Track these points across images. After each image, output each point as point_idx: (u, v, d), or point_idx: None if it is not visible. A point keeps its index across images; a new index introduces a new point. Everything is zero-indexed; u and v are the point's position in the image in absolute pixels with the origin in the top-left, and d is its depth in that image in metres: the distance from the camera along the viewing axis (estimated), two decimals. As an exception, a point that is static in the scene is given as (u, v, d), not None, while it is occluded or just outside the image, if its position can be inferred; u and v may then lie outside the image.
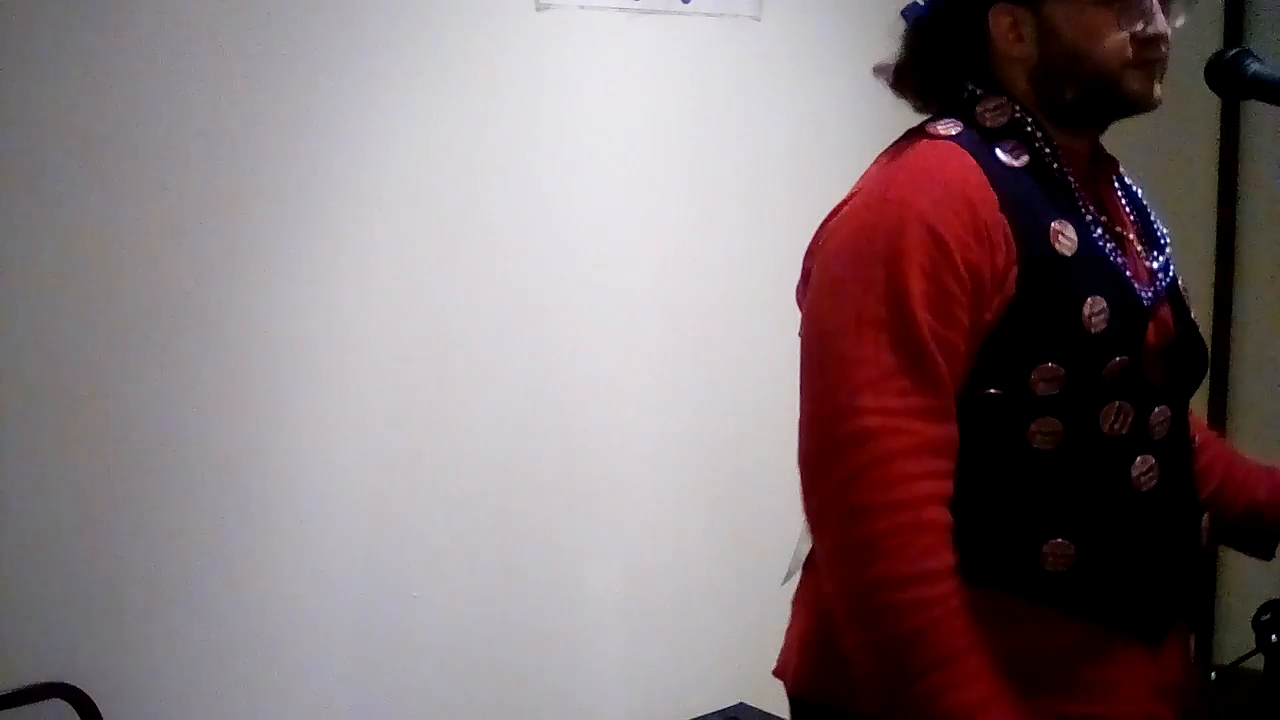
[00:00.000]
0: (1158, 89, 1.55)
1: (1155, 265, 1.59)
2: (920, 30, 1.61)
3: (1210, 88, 1.64)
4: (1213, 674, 1.59)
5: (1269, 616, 1.63)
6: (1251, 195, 3.23)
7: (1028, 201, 1.49)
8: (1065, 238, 1.48)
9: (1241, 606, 3.01)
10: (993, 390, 1.47)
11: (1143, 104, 1.55)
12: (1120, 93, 1.53)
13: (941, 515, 1.42)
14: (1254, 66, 1.59)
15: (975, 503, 1.47)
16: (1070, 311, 1.45)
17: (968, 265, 1.43)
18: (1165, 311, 1.57)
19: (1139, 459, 1.50)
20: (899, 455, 1.39)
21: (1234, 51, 1.62)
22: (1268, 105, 1.62)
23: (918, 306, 1.41)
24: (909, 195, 1.46)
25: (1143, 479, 1.50)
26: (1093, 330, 1.46)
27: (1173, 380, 1.57)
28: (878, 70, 1.65)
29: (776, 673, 1.64)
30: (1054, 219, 1.49)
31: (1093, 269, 1.49)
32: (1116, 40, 1.51)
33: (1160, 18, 1.52)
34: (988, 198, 1.46)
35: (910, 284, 1.41)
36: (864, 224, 1.48)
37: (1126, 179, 1.67)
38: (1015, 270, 1.45)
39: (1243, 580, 3.09)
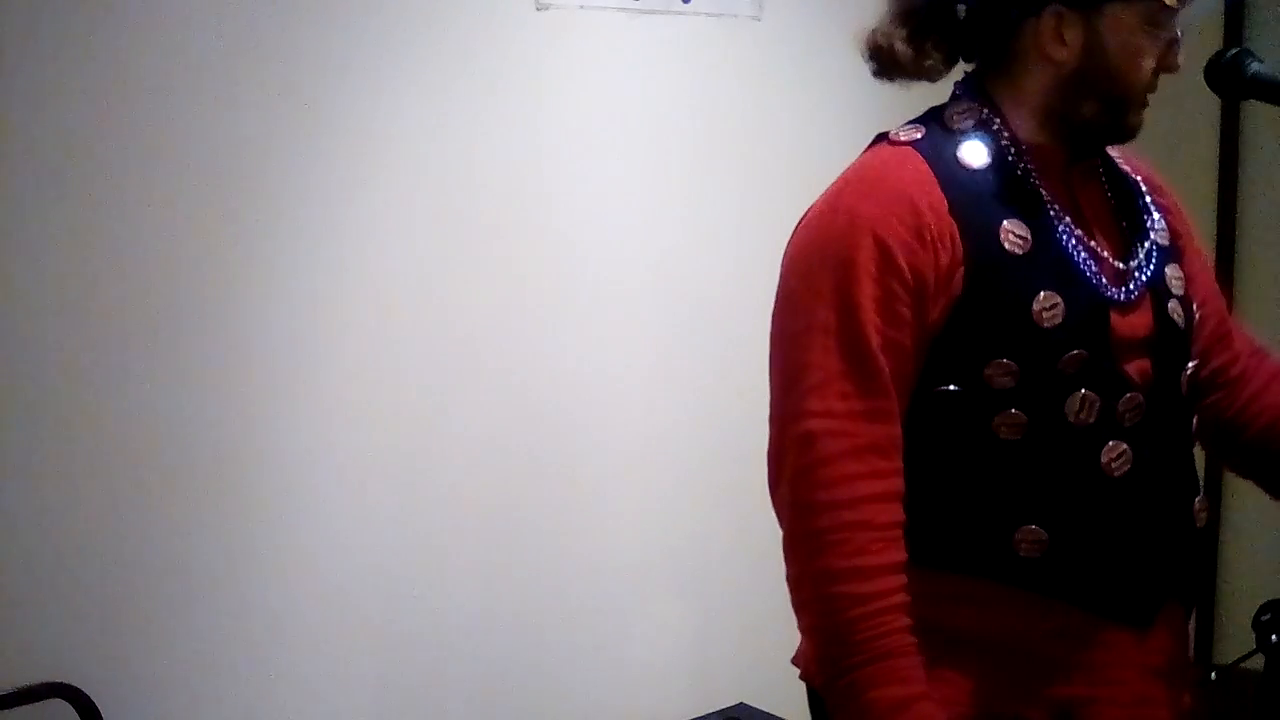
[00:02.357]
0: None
1: (1131, 265, 1.60)
2: (935, 20, 1.61)
3: (1210, 88, 1.64)
4: (1213, 674, 1.59)
5: (1269, 616, 1.63)
6: (1251, 195, 3.23)
7: (980, 202, 1.53)
8: (1016, 236, 1.52)
9: (1241, 606, 3.01)
10: (951, 386, 1.52)
11: (1132, 135, 1.61)
12: (1125, 120, 1.58)
13: (883, 513, 1.48)
14: (1254, 66, 1.60)
15: (947, 492, 1.54)
16: (1019, 307, 1.50)
17: (911, 268, 1.49)
18: (1141, 305, 1.59)
19: (1109, 445, 1.53)
20: (840, 456, 1.47)
21: (1234, 51, 1.62)
22: (1268, 105, 1.63)
23: (864, 312, 1.48)
24: (856, 204, 1.52)
25: (1114, 465, 1.53)
26: (1045, 325, 1.50)
27: (1159, 371, 1.59)
28: (868, 48, 1.64)
29: (794, 660, 1.66)
30: (1006, 218, 1.52)
31: (1048, 266, 1.52)
32: (1149, 68, 1.56)
33: (1177, 54, 1.57)
34: (936, 201, 1.51)
35: (857, 290, 1.48)
36: (816, 233, 1.56)
37: (1124, 167, 1.68)
38: (962, 270, 1.50)
39: (1243, 580, 3.09)
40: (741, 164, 2.96)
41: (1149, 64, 1.55)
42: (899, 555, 1.48)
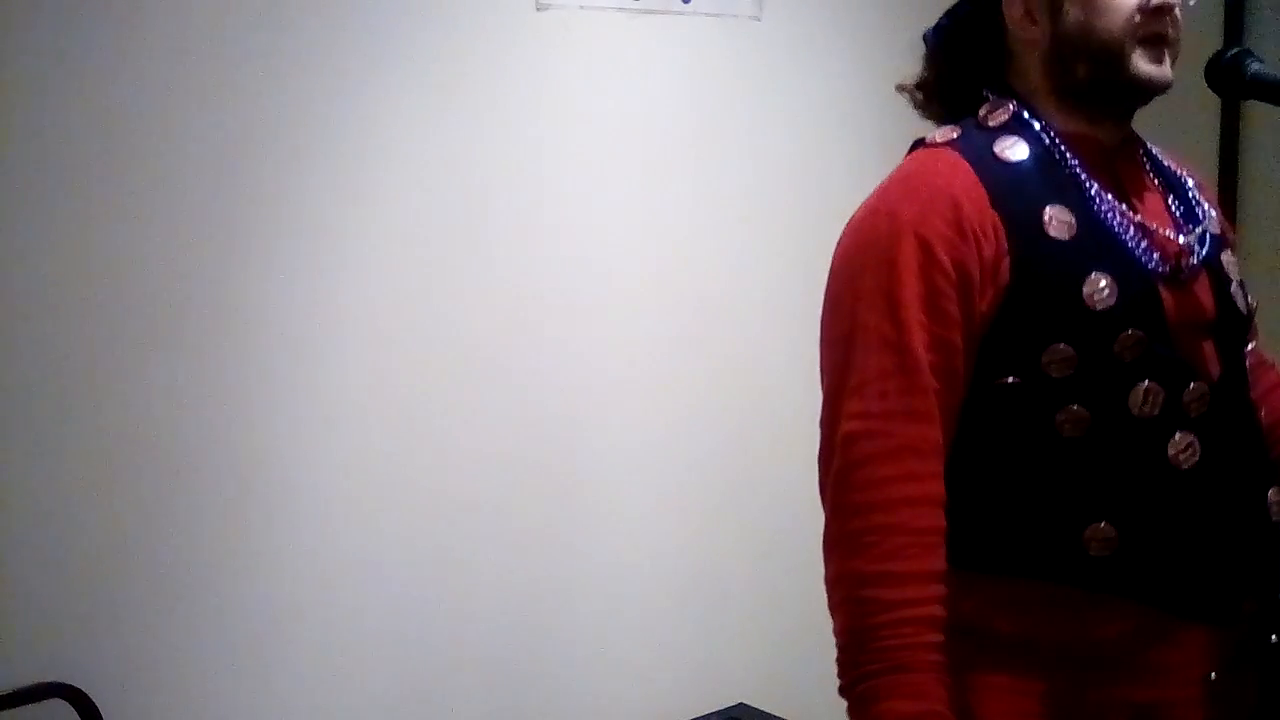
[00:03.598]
0: (1168, 68, 1.57)
1: (1187, 240, 1.59)
2: (943, 42, 1.67)
3: (1210, 88, 1.64)
4: (1213, 674, 1.58)
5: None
6: (1251, 195, 3.23)
7: (1022, 192, 1.53)
8: (1060, 221, 1.52)
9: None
10: (1010, 379, 1.50)
11: (1151, 84, 1.57)
12: (1128, 71, 1.55)
13: (919, 518, 1.45)
14: (1254, 66, 1.60)
15: (1009, 493, 1.51)
16: (1070, 291, 1.49)
17: (954, 262, 1.48)
18: (1200, 287, 1.58)
19: (1176, 436, 1.50)
20: (876, 457, 1.46)
21: (1234, 51, 1.62)
22: (1268, 105, 1.63)
23: (907, 310, 1.47)
24: (896, 206, 1.53)
25: (1181, 457, 1.50)
26: (1097, 307, 1.49)
27: (1224, 357, 1.57)
28: (900, 89, 1.70)
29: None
30: (1049, 205, 1.52)
31: (1096, 249, 1.51)
32: (1124, 10, 1.54)
33: None
34: (976, 195, 1.51)
35: (900, 290, 1.48)
36: (858, 237, 1.56)
37: (1165, 161, 1.69)
38: (1008, 260, 1.49)
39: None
40: (741, 164, 2.96)
41: (1125, 10, 1.54)
42: (934, 563, 1.45)
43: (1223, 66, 1.61)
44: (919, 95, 1.69)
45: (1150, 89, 1.57)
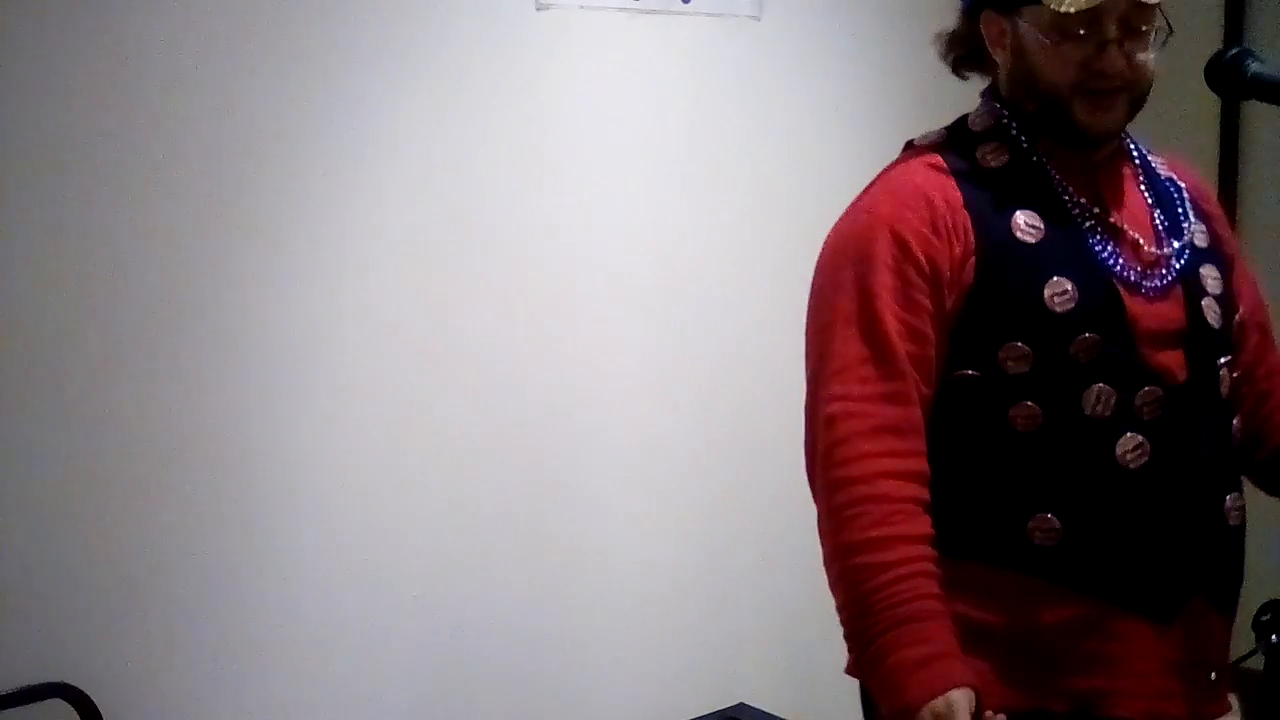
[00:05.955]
0: (1111, 116, 1.60)
1: (1165, 252, 1.62)
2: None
3: (1210, 88, 1.65)
4: (1213, 674, 1.59)
5: (1269, 616, 1.64)
6: (1251, 195, 3.23)
7: (995, 196, 1.59)
8: (1028, 225, 1.58)
9: (1242, 606, 3.01)
10: (970, 372, 1.57)
11: (1089, 133, 1.61)
12: (1071, 117, 1.60)
13: (901, 488, 1.51)
14: (1254, 66, 1.60)
15: (965, 480, 1.58)
16: (1031, 292, 1.55)
17: (928, 258, 1.56)
18: (1173, 298, 1.61)
19: (1125, 437, 1.55)
20: (855, 436, 1.53)
21: (1234, 51, 1.63)
22: (1268, 105, 1.63)
23: (881, 301, 1.55)
24: (875, 203, 1.62)
25: (1129, 457, 1.55)
26: (1056, 310, 1.54)
27: (1193, 367, 1.60)
28: (937, 38, 1.75)
29: (847, 670, 1.66)
30: (1020, 209, 1.58)
31: (1061, 253, 1.57)
32: (1067, 63, 1.58)
33: (1112, 55, 1.57)
34: (951, 196, 1.59)
35: (874, 281, 1.55)
36: (839, 235, 1.65)
37: (1161, 170, 1.72)
38: (974, 260, 1.56)
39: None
40: (741, 164, 2.96)
41: (1070, 63, 1.57)
42: (920, 528, 1.51)
43: (1223, 66, 1.62)
44: (943, 48, 1.73)
45: (1088, 137, 1.61)
